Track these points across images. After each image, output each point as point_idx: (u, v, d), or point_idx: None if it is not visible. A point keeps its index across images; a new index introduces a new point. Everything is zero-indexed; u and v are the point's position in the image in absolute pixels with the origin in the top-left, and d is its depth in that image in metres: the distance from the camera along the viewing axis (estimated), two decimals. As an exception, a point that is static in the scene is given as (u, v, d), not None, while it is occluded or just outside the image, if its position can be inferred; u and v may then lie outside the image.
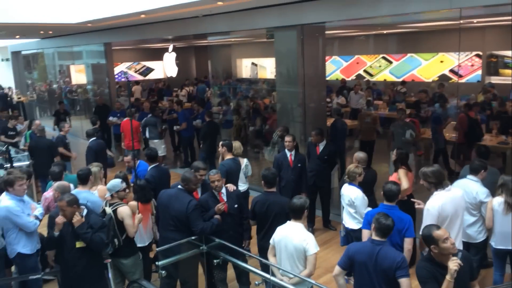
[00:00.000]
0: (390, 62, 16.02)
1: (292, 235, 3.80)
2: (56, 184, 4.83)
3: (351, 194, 4.91)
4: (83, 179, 4.95)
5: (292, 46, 7.59)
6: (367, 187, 5.39)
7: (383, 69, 16.18)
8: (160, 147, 9.61)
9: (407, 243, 4.03)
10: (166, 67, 12.03)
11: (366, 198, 4.93)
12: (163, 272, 4.24)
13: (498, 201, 4.40)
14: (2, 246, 4.57)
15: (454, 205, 4.02)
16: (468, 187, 4.62)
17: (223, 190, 4.72)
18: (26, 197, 4.76)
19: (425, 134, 9.13)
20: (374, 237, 3.51)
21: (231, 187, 4.89)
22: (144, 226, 4.96)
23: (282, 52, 7.87)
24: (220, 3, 6.64)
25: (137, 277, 4.57)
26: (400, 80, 15.08)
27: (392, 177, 5.61)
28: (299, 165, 6.36)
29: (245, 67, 20.49)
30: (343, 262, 3.56)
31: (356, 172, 4.95)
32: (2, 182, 4.49)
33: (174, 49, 11.21)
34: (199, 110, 10.73)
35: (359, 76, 16.79)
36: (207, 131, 9.02)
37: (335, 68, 17.65)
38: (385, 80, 15.94)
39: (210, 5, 7.05)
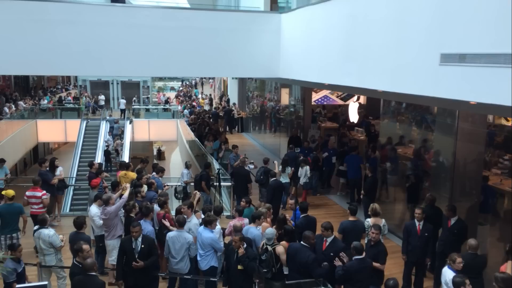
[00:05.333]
0: None
1: None
2: (234, 222, 7.25)
3: (446, 276, 5.97)
4: (253, 219, 7.33)
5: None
6: (475, 270, 6.30)
7: None
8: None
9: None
10: (350, 113, 13.81)
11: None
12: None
13: None
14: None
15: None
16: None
17: None
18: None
19: None
20: None
21: None
22: (289, 260, 6.99)
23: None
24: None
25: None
26: None
27: (502, 267, 6.34)
28: (426, 234, 7.49)
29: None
30: None
31: (453, 259, 5.98)
32: (203, 222, 7.09)
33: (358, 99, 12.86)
34: (372, 155, 12.05)
35: None
36: (368, 186, 10.45)
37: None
38: None
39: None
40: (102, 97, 30.61)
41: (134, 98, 32.34)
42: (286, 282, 6.32)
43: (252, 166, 11.78)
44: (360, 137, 15.49)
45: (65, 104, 30.69)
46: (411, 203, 9.95)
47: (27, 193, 9.38)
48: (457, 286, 5.22)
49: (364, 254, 6.30)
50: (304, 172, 11.91)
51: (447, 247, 7.60)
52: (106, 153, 20.44)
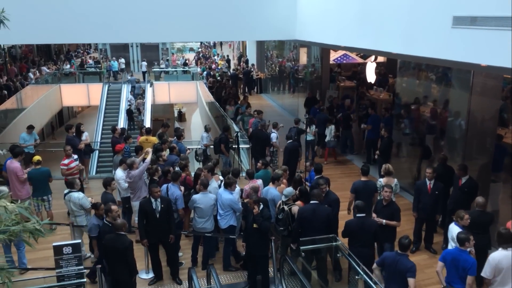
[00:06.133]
0: None
1: None
2: (251, 185, 7.60)
3: (453, 232, 6.26)
4: (273, 180, 7.74)
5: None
6: (481, 227, 6.57)
7: None
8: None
9: (469, 279, 5.45)
10: (367, 73, 13.78)
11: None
12: (303, 253, 6.64)
13: None
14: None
15: (509, 262, 5.16)
16: None
17: None
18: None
19: None
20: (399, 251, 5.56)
21: None
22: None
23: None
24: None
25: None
26: None
27: (508, 224, 6.58)
28: (436, 192, 7.74)
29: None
30: (379, 262, 5.73)
31: (461, 215, 6.25)
32: (224, 184, 7.48)
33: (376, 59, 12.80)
34: (385, 115, 12.01)
35: None
36: (383, 147, 10.57)
37: None
38: None
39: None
40: (122, 60, 30.88)
41: (160, 61, 32.71)
42: (301, 239, 6.69)
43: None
44: (380, 96, 15.40)
45: (87, 69, 31.13)
46: (423, 159, 10.17)
47: (64, 161, 9.84)
48: (462, 242, 5.51)
49: (372, 214, 6.71)
50: (330, 131, 12.29)
51: (458, 205, 7.81)
52: (129, 112, 21.05)
